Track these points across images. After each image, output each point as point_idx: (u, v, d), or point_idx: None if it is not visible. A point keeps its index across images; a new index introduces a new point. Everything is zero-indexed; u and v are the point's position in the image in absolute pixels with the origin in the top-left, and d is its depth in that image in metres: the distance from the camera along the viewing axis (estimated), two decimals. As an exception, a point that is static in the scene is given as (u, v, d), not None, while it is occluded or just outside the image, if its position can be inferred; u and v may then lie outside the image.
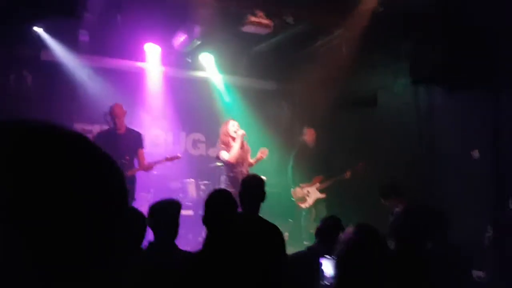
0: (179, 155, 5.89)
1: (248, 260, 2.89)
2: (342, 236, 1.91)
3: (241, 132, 5.61)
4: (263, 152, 5.75)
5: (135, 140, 5.56)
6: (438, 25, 5.29)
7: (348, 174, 6.56)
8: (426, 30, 5.49)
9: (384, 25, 5.79)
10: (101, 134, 5.60)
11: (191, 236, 6.29)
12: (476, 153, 5.62)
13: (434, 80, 5.96)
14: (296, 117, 8.55)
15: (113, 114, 5.43)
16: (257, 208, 3.35)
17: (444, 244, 2.86)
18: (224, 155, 5.60)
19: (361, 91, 7.34)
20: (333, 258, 2.54)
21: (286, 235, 6.73)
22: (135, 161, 5.54)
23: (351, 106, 7.39)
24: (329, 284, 2.53)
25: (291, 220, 7.24)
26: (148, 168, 5.51)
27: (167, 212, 3.01)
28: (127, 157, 5.31)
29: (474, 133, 5.73)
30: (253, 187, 3.41)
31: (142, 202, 5.42)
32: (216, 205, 2.90)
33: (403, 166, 6.24)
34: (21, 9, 3.56)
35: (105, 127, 5.87)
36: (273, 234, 3.08)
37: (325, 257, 2.59)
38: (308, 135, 6.99)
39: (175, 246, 2.98)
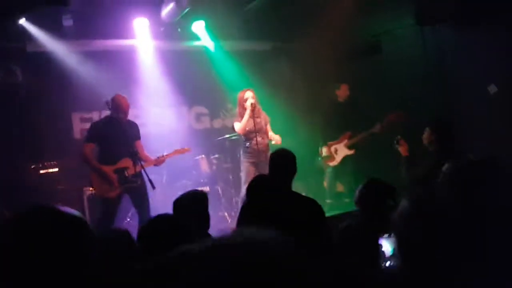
0: (189, 148, 5.71)
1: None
2: (398, 211, 1.73)
3: (249, 102, 5.51)
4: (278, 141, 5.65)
5: (136, 130, 5.36)
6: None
7: (378, 128, 6.30)
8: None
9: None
10: (99, 123, 5.33)
11: (212, 212, 6.15)
12: (493, 88, 5.42)
13: (442, 19, 5.71)
14: (298, 75, 8.27)
15: (123, 107, 5.12)
16: (289, 183, 3.19)
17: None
18: (236, 125, 5.68)
19: (364, 39, 7.06)
20: (391, 237, 2.39)
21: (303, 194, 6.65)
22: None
23: (356, 56, 7.14)
24: (389, 266, 2.38)
25: (311, 180, 7.12)
26: (160, 162, 5.31)
27: (191, 205, 2.81)
28: (128, 148, 5.09)
29: (489, 69, 5.52)
30: (281, 162, 3.27)
31: (158, 186, 5.27)
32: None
33: (417, 111, 6.05)
34: (8, 2, 3.25)
35: (105, 112, 5.63)
36: (311, 209, 2.92)
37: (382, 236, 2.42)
38: (342, 91, 6.69)
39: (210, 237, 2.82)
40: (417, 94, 6.28)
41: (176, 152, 5.53)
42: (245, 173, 5.66)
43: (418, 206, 1.78)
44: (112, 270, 1.65)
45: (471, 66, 5.66)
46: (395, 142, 4.51)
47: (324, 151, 6.73)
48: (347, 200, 6.27)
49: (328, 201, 6.41)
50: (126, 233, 2.52)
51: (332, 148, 6.69)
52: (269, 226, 2.57)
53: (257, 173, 5.58)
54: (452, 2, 5.40)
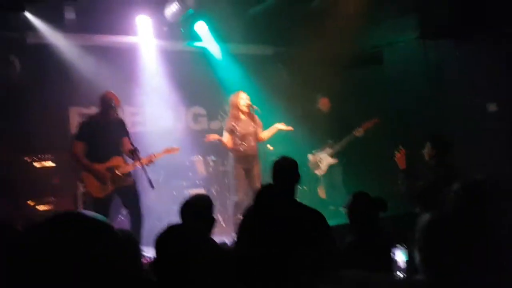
0: (177, 147, 5.55)
1: (290, 250, 2.73)
2: (419, 224, 1.75)
3: (243, 102, 5.53)
4: (282, 124, 5.68)
5: (122, 127, 5.11)
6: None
7: (357, 132, 6.36)
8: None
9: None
10: (88, 122, 5.10)
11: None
12: (493, 106, 5.47)
13: (444, 33, 5.75)
14: (297, 81, 8.27)
15: (115, 103, 4.97)
16: (293, 190, 3.14)
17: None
18: (224, 137, 5.66)
19: (366, 49, 7.09)
20: (404, 246, 2.40)
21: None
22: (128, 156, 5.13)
23: (356, 65, 7.16)
24: (404, 276, 2.38)
25: (305, 187, 7.13)
26: (149, 162, 5.06)
27: (195, 209, 2.78)
28: (117, 146, 4.99)
29: (489, 85, 5.57)
30: (284, 170, 3.21)
31: (155, 185, 5.20)
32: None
33: (415, 124, 6.09)
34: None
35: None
36: (315, 221, 2.90)
37: (397, 246, 2.43)
38: (322, 104, 6.79)
39: (212, 242, 2.78)
40: (415, 107, 6.33)
41: (166, 151, 5.36)
42: (237, 178, 5.61)
43: (439, 219, 1.81)
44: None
45: (471, 81, 5.71)
46: (395, 150, 4.54)
47: (310, 158, 6.82)
48: (342, 209, 6.27)
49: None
50: (131, 234, 2.49)
51: (317, 157, 6.75)
52: (272, 236, 2.56)
53: (247, 178, 5.57)
54: (455, 17, 5.44)
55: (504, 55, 5.38)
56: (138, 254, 2.22)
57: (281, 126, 5.69)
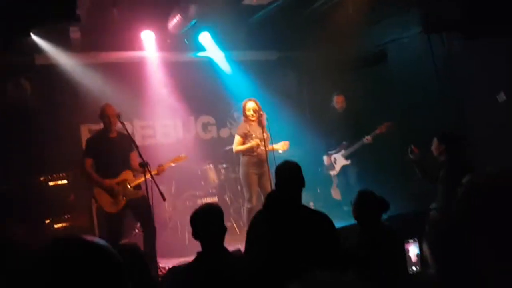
0: (185, 156, 5.61)
1: (299, 256, 2.74)
2: (429, 220, 1.78)
3: (249, 112, 5.66)
4: (285, 144, 5.73)
5: (129, 143, 5.15)
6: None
7: (369, 139, 6.38)
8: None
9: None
10: (93, 139, 5.25)
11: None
12: (502, 96, 5.41)
13: (447, 26, 5.70)
14: (303, 84, 8.30)
15: (107, 114, 5.08)
16: (298, 195, 3.06)
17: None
18: (234, 145, 5.78)
19: (369, 48, 7.08)
20: (416, 240, 2.40)
21: (311, 204, 6.67)
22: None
23: (361, 65, 7.15)
24: (418, 270, 2.38)
25: (318, 190, 7.16)
26: (160, 172, 5.15)
27: (206, 220, 2.80)
28: (124, 161, 5.05)
29: (497, 77, 5.52)
30: (287, 176, 3.10)
31: (167, 197, 5.24)
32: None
33: (426, 120, 6.06)
34: (19, 18, 3.28)
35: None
36: (322, 224, 2.90)
37: (409, 241, 2.43)
38: (338, 102, 6.80)
39: (225, 251, 2.80)
40: (424, 103, 6.29)
41: (174, 160, 5.42)
42: (250, 184, 5.64)
43: (448, 215, 1.83)
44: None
45: (479, 74, 5.66)
46: (408, 151, 4.54)
47: (325, 160, 6.85)
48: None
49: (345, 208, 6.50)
50: (135, 247, 2.53)
51: (332, 158, 6.77)
52: (279, 242, 2.57)
53: (260, 184, 5.60)
54: (459, 10, 5.39)
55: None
56: (143, 268, 2.25)
57: (278, 147, 5.72)
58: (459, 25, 5.21)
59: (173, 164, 5.43)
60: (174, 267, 4.19)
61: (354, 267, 2.56)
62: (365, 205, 2.93)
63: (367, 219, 2.89)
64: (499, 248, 1.82)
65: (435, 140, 4.45)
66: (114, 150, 5.03)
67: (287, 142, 5.76)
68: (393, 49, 6.75)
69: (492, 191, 2.25)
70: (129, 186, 5.03)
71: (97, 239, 0.99)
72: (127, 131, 5.04)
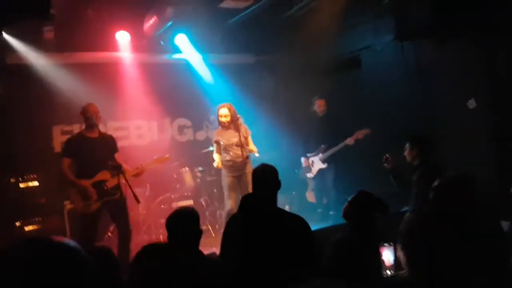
0: (169, 155, 5.61)
1: (275, 258, 2.76)
2: (404, 223, 1.83)
3: (223, 119, 5.67)
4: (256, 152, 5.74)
5: (111, 144, 5.17)
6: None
7: (349, 141, 6.45)
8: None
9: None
10: (73, 139, 5.12)
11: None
12: (472, 102, 5.57)
13: (419, 34, 5.84)
14: (280, 88, 8.36)
15: (90, 114, 5.00)
16: (273, 198, 3.09)
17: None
18: (214, 148, 5.87)
19: (344, 54, 7.19)
20: (391, 245, 2.45)
21: (287, 207, 6.72)
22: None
23: (335, 70, 7.25)
24: (391, 274, 2.43)
25: (294, 193, 7.20)
26: (140, 173, 5.17)
27: (181, 223, 2.79)
28: (109, 162, 5.00)
29: (468, 84, 5.68)
30: (263, 178, 3.12)
31: (141, 199, 5.19)
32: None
33: (399, 124, 6.18)
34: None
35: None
36: (297, 227, 2.93)
37: (384, 245, 2.47)
38: (319, 106, 6.84)
39: (200, 254, 2.80)
40: (396, 109, 6.42)
41: (156, 161, 5.39)
42: (227, 187, 5.67)
43: (422, 218, 1.89)
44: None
45: (450, 80, 5.82)
46: (383, 160, 4.62)
47: (303, 162, 6.93)
48: (331, 212, 6.35)
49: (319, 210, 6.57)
50: (109, 251, 2.50)
51: (310, 160, 6.83)
52: (254, 245, 2.60)
53: (238, 187, 5.63)
54: (429, 17, 5.53)
55: (484, 53, 5.50)
56: (115, 270, 2.24)
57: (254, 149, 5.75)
58: (430, 31, 5.35)
59: (154, 165, 5.38)
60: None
61: (327, 271, 2.59)
62: (364, 204, 2.90)
63: (361, 219, 2.86)
64: (462, 249, 1.89)
65: (407, 145, 4.55)
66: (95, 150, 4.95)
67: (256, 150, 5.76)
68: (367, 55, 6.88)
69: (451, 195, 2.37)
70: (105, 187, 4.96)
71: (66, 240, 0.98)
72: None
